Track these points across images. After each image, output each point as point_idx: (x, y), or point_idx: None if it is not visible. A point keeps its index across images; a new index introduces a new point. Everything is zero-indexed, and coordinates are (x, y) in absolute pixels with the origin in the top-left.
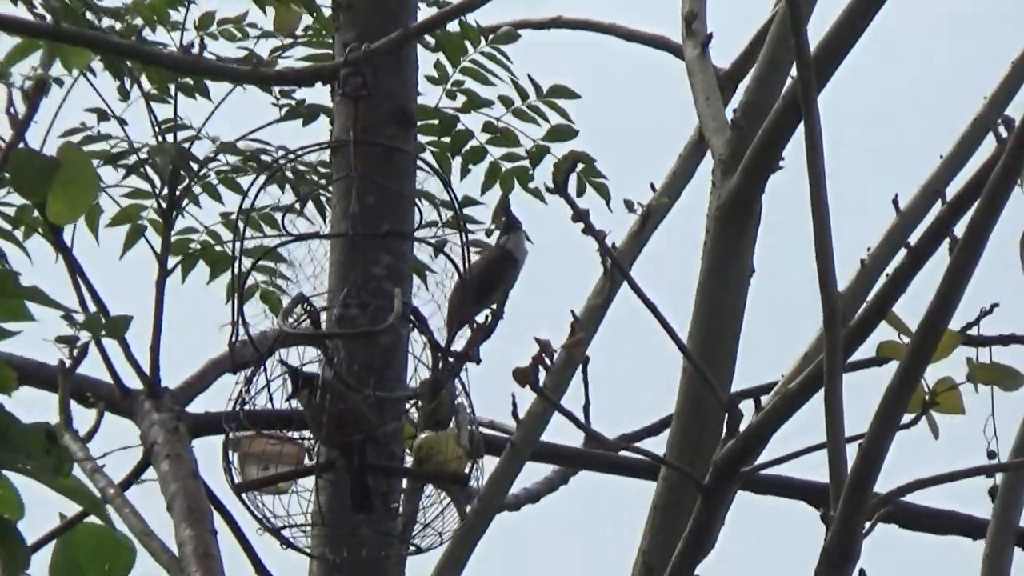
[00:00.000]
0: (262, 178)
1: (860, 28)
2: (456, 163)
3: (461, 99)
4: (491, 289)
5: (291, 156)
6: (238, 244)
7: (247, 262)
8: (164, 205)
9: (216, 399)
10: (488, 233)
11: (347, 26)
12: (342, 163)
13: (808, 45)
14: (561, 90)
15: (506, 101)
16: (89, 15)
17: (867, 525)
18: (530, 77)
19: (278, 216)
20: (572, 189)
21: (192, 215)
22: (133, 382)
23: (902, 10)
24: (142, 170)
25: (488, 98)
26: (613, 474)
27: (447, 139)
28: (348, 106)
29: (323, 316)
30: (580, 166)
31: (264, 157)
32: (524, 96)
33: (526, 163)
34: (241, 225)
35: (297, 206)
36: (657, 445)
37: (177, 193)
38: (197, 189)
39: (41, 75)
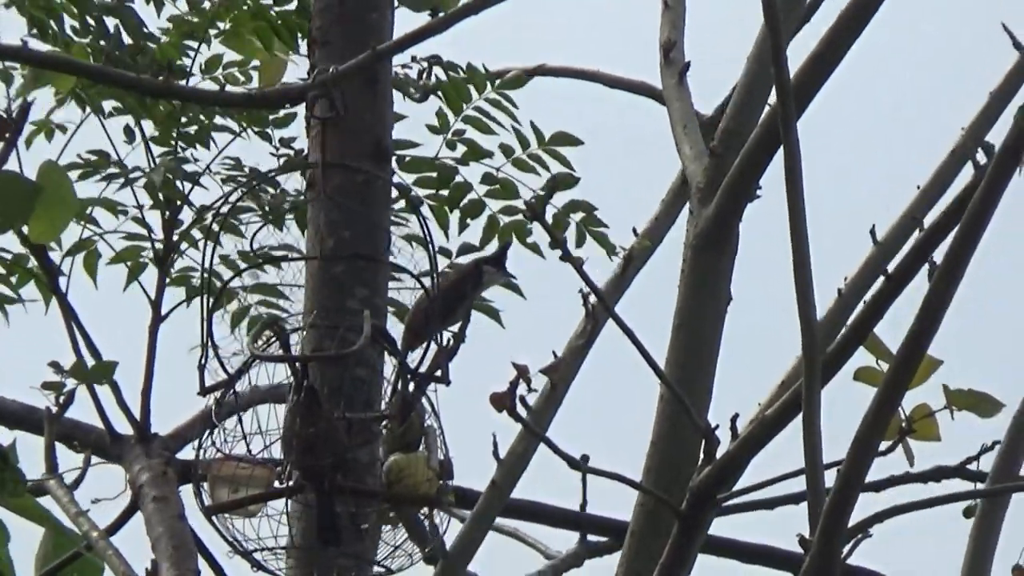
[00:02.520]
0: (237, 193)
1: (839, 56)
2: (454, 217)
3: (461, 149)
4: (456, 303)
5: (266, 175)
6: (207, 262)
7: (227, 277)
8: (160, 249)
9: None
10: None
11: (323, 60)
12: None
13: (788, 73)
14: (563, 137)
15: (507, 150)
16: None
17: (846, 550)
18: (532, 124)
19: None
20: (571, 238)
21: (190, 257)
22: (124, 427)
23: (881, 39)
24: (139, 216)
25: (489, 149)
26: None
27: (445, 192)
28: (316, 128)
29: (293, 339)
30: (579, 214)
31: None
32: (525, 145)
33: (521, 216)
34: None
35: (271, 227)
36: (634, 470)
37: (174, 237)
38: (196, 233)
39: (23, 100)
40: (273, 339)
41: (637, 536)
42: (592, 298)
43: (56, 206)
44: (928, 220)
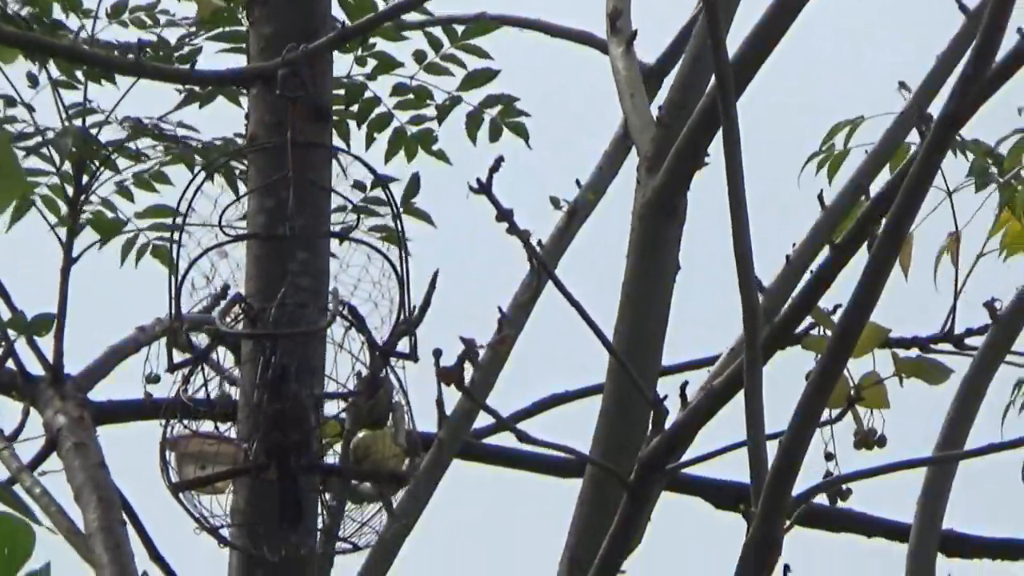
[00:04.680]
0: (201, 175)
1: (785, 24)
2: (362, 134)
3: (372, 63)
4: None
5: (234, 152)
6: (176, 243)
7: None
8: (71, 193)
9: (118, 387)
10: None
11: (263, 21)
12: (264, 160)
13: (726, 53)
14: (479, 28)
15: (419, 56)
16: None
17: (788, 521)
18: (444, 25)
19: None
20: (484, 134)
21: (97, 194)
22: (36, 368)
23: (828, 4)
24: (44, 151)
25: (401, 60)
26: (539, 473)
27: (355, 108)
28: (283, 106)
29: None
30: (496, 108)
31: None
32: (438, 47)
33: (432, 124)
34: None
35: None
36: (583, 442)
37: (84, 182)
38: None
39: None
40: (241, 315)
41: (587, 506)
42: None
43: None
44: (874, 189)
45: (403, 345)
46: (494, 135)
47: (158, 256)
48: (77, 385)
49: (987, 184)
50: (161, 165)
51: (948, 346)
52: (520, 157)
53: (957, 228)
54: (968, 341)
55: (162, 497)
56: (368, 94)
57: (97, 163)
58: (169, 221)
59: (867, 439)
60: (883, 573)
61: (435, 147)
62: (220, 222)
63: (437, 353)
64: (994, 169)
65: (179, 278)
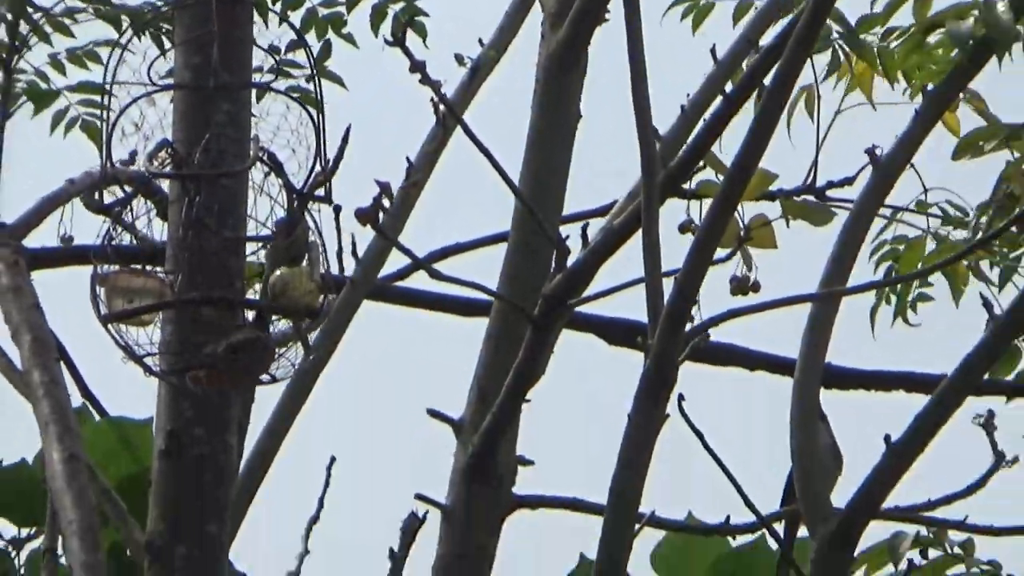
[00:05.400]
0: (128, 34)
1: None
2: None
3: None
4: None
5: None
6: (108, 92)
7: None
8: (4, 56)
9: (50, 234)
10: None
11: None
12: (190, 17)
13: None
14: None
15: None
16: None
17: (683, 353)
18: None
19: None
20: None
21: (27, 60)
22: None
23: None
24: None
25: None
26: (446, 312)
27: None
28: None
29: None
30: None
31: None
32: None
33: (342, 9)
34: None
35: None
36: (490, 280)
37: (16, 43)
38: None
39: None
40: (168, 160)
41: (493, 340)
42: (442, 108)
43: None
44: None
45: (319, 191)
46: (396, 31)
47: (86, 131)
48: (12, 234)
49: (827, 48)
50: (93, 45)
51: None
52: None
53: (816, 83)
54: (829, 193)
55: (93, 337)
56: None
57: (29, 28)
58: (98, 98)
59: (743, 286)
60: (769, 404)
61: (344, 31)
62: (148, 73)
63: (337, 209)
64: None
65: (110, 125)
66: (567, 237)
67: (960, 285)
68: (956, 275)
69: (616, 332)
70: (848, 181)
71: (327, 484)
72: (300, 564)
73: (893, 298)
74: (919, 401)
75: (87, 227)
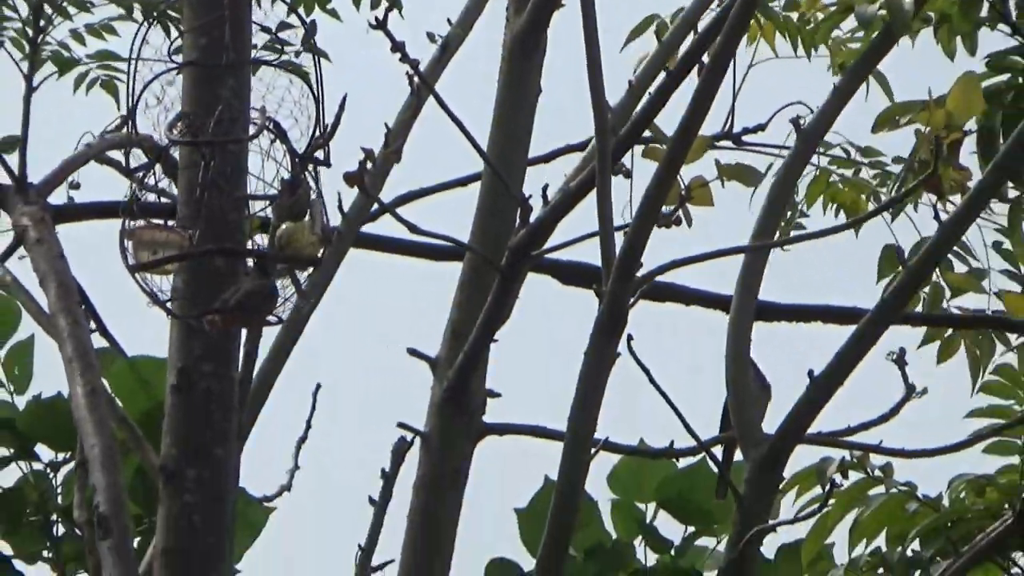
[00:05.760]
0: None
1: None
2: None
3: None
4: None
5: None
6: (133, 66)
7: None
8: (31, 32)
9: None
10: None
11: None
12: (197, 3)
13: None
14: None
15: None
16: None
17: (632, 298)
18: None
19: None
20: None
21: (50, 36)
22: (3, 179)
23: None
24: (9, 2)
25: None
26: (424, 258)
27: None
28: None
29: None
30: None
31: None
32: None
33: None
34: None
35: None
36: (454, 228)
37: (42, 23)
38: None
39: None
40: (186, 129)
41: (465, 287)
42: (416, 79)
43: None
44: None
45: (319, 154)
46: (374, 4)
47: (106, 88)
48: (39, 192)
49: None
50: (108, 20)
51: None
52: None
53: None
54: (745, 139)
55: (111, 284)
56: None
57: (52, 9)
58: (115, 63)
59: (667, 219)
60: (707, 335)
61: (329, 6)
62: (169, 53)
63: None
64: None
65: (135, 98)
66: (530, 196)
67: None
68: (856, 209)
69: (569, 273)
70: (761, 128)
71: (313, 408)
72: (291, 478)
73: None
74: (838, 332)
75: (93, 180)
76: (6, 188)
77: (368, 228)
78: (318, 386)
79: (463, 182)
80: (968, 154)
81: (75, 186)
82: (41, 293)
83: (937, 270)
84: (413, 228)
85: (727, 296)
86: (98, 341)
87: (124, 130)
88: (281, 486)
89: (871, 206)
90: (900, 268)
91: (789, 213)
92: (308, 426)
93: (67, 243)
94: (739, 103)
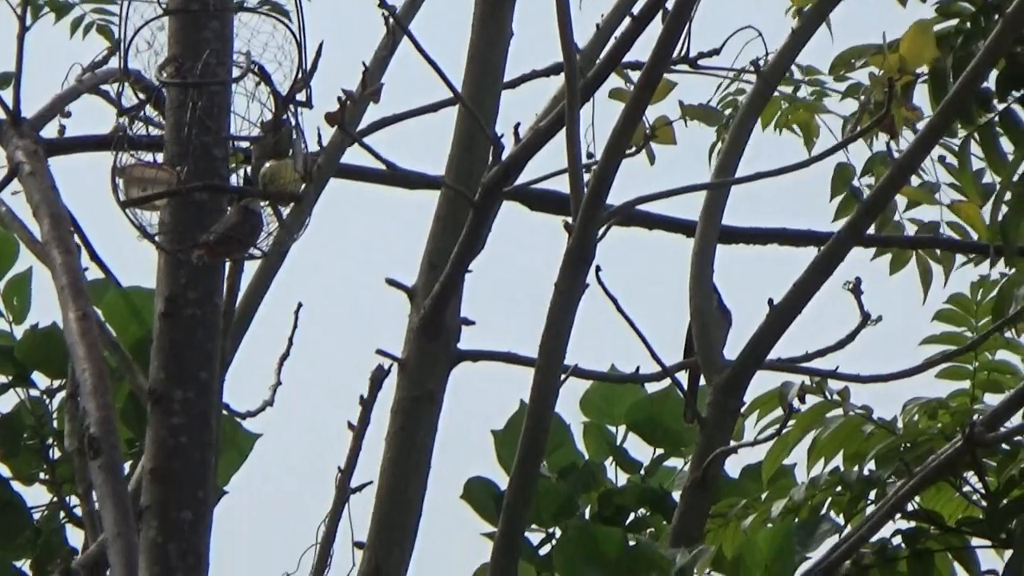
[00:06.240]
0: None
1: None
2: None
3: None
4: None
5: None
6: (124, 10)
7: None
8: None
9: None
10: None
11: None
12: None
13: None
14: None
15: None
16: None
17: (601, 232)
18: None
19: None
20: None
21: None
22: None
23: None
24: None
25: None
26: (403, 188)
27: None
28: None
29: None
30: None
31: None
32: None
33: None
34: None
35: None
36: (437, 162)
37: None
38: None
39: None
40: (175, 72)
41: (441, 220)
42: (392, 22)
43: None
44: None
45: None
46: None
47: (101, 32)
48: (32, 125)
49: None
50: None
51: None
52: None
53: None
54: (700, 62)
55: (100, 216)
56: None
57: None
58: (108, 7)
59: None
60: (673, 250)
61: None
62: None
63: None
64: None
65: (127, 43)
66: (502, 135)
67: (811, 138)
68: (808, 130)
69: (538, 200)
70: (716, 52)
71: (295, 326)
72: (273, 394)
73: None
74: (796, 261)
75: (83, 115)
76: (1, 123)
77: (346, 158)
78: (299, 305)
79: (435, 107)
80: (920, 98)
81: (67, 115)
82: (35, 224)
83: None
84: (390, 165)
85: (691, 221)
86: (93, 273)
87: (112, 62)
88: (264, 401)
89: (823, 123)
90: (854, 197)
91: None
92: (290, 343)
93: (60, 175)
94: (694, 27)
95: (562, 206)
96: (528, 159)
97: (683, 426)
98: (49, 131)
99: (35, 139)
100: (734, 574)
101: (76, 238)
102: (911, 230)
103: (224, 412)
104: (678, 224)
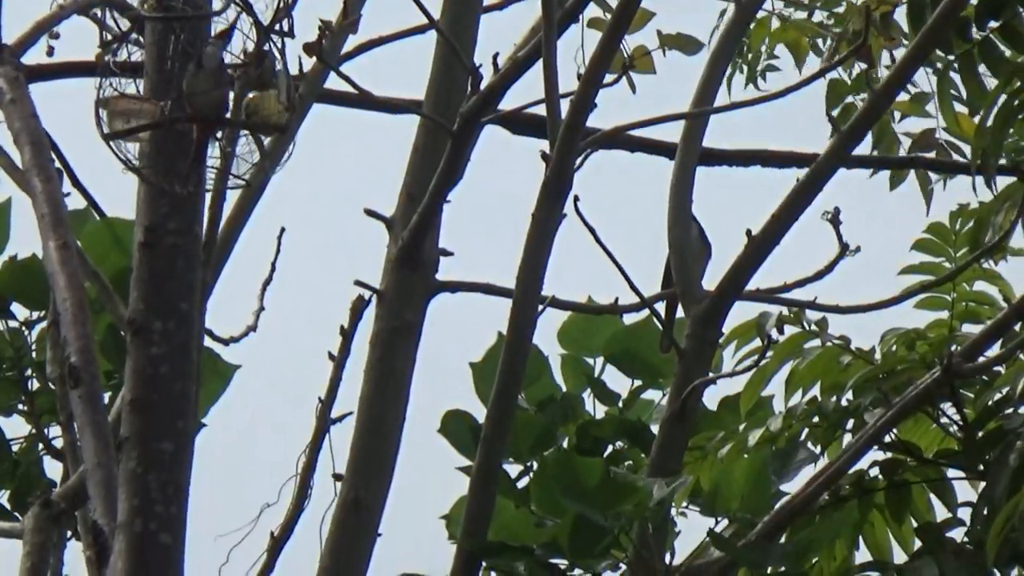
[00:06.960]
0: None
1: None
2: None
3: None
4: None
5: None
6: None
7: None
8: None
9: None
10: None
11: None
12: None
13: None
14: None
15: None
16: None
17: (577, 162)
18: None
19: None
20: None
21: None
22: None
23: None
24: None
25: None
26: (381, 112)
27: None
28: None
29: None
30: None
31: None
32: None
33: None
34: None
35: None
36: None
37: None
38: None
39: None
40: (157, 4)
41: (419, 151)
42: None
43: None
44: None
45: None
46: None
47: None
48: (12, 51)
49: None
50: None
51: None
52: None
53: None
54: None
55: (81, 145)
56: None
57: None
58: None
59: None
60: (652, 179)
61: None
62: None
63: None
64: None
65: None
66: (480, 65)
67: (802, 55)
68: (798, 49)
69: (518, 123)
70: None
71: (278, 251)
72: (256, 320)
73: (746, 68)
74: (778, 184)
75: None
76: None
77: (327, 86)
78: (282, 230)
79: (411, 32)
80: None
81: (55, 36)
82: (16, 152)
83: None
84: (366, 94)
85: (673, 144)
86: (76, 201)
87: None
88: (248, 326)
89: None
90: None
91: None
92: (273, 268)
93: (41, 101)
94: None
95: (545, 129)
96: (506, 89)
97: (661, 358)
98: (30, 57)
99: (16, 65)
100: (711, 504)
101: (58, 163)
102: (906, 143)
103: (206, 339)
104: (660, 147)
